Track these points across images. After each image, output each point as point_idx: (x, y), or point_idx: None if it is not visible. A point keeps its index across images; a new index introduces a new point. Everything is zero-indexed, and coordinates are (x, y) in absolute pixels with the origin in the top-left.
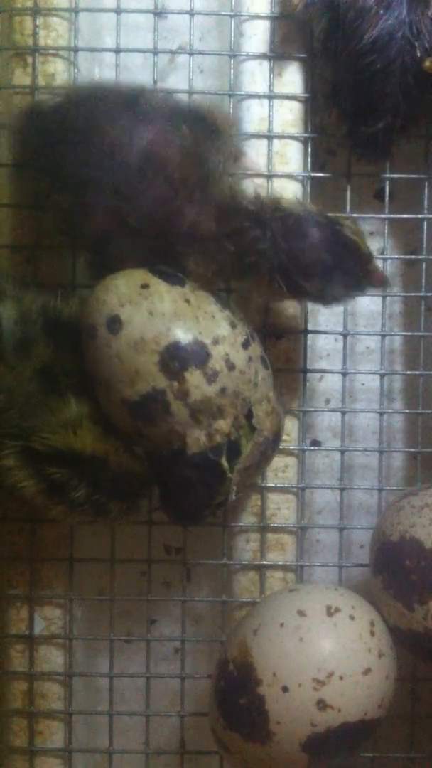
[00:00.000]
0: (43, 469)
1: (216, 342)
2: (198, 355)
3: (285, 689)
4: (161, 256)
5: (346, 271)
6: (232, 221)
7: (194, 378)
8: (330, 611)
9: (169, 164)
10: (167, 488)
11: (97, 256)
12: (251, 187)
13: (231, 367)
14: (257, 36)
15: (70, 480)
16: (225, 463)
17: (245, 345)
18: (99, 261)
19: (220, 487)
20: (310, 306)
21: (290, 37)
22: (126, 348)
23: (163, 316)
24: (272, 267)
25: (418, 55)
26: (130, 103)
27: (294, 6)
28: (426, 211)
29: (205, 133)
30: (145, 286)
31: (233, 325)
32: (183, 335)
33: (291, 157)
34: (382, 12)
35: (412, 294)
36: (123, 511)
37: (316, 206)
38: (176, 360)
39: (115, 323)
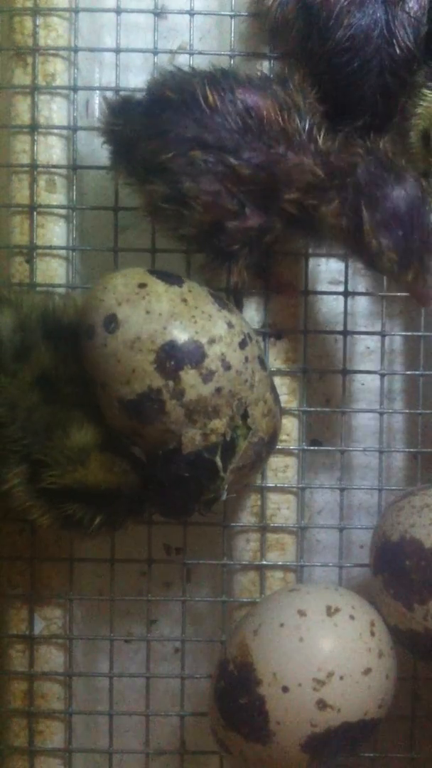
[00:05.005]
0: (57, 504)
1: (212, 342)
2: (193, 355)
3: (285, 689)
4: (264, 207)
5: (423, 236)
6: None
7: (189, 377)
8: (330, 611)
9: (269, 115)
10: (161, 484)
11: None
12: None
13: (227, 367)
14: (257, 36)
15: (85, 514)
16: (219, 462)
17: (242, 345)
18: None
19: (212, 485)
20: (310, 306)
21: (289, 37)
22: (122, 347)
23: (159, 315)
24: (350, 218)
25: (397, 52)
26: (222, 73)
27: (268, 7)
28: None
29: (292, 88)
30: (142, 286)
31: (230, 325)
32: (179, 335)
33: None
34: (355, 11)
35: None
36: (134, 519)
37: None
38: (172, 359)
39: (112, 322)
